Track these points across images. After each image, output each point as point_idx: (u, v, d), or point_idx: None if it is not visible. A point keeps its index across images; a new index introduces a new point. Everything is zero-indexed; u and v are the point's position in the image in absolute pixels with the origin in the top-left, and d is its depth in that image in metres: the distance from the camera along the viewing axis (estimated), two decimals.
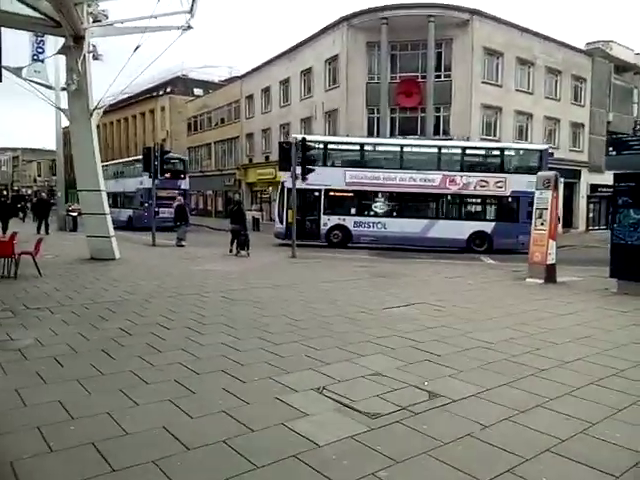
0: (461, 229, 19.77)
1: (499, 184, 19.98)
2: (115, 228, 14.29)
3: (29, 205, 37.70)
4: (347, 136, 29.11)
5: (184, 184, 27.94)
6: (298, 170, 14.84)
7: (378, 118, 29.54)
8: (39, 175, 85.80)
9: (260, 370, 4.81)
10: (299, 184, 16.55)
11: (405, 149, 21.60)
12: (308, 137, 17.00)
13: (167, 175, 21.47)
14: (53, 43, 16.80)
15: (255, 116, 40.18)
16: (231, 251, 15.66)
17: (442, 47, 28.90)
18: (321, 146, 20.78)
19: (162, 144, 18.62)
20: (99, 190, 13.06)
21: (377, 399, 4.10)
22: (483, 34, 28.75)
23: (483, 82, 29.37)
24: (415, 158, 21.33)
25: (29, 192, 71.43)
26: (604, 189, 33.27)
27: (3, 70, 10.90)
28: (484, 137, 29.87)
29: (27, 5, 11.13)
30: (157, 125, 52.10)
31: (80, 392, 4.12)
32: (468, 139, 28.55)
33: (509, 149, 21.93)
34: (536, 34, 31.72)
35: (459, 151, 21.21)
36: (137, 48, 11.85)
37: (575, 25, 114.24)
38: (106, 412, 3.68)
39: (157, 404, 3.91)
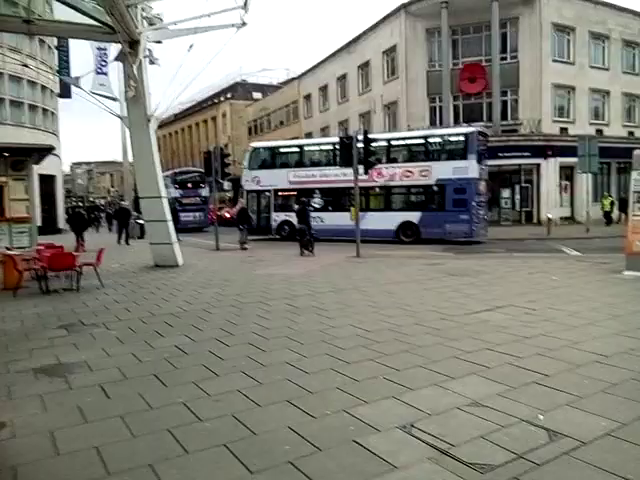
0: (390, 220, 19.55)
1: (424, 173, 19.45)
2: None
3: (102, 215, 39.10)
4: (408, 127, 28.11)
5: (204, 192, 31.39)
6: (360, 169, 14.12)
7: (440, 107, 28.24)
8: (112, 186, 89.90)
9: (332, 399, 4.07)
10: (254, 186, 20.74)
11: (337, 146, 20.96)
12: (259, 144, 19.74)
13: (189, 185, 31.17)
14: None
15: (313, 115, 39.74)
16: (302, 253, 15.26)
17: (507, 27, 27.32)
18: (270, 151, 23.41)
19: (221, 146, 18.36)
20: (159, 197, 12.83)
21: (482, 442, 3.24)
22: (552, 9, 26.81)
23: (554, 60, 27.46)
24: None
25: (102, 202, 74.75)
26: None
27: (72, 86, 10.82)
28: (557, 119, 27.94)
29: (81, 12, 10.99)
30: (219, 131, 52.95)
31: (122, 434, 3.52)
32: (539, 122, 26.75)
33: (432, 136, 20.77)
34: (610, 5, 29.29)
35: (384, 143, 20.39)
36: (191, 47, 11.52)
37: None
38: (147, 464, 3.06)
39: (209, 452, 3.24)
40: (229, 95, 53.56)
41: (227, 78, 54.07)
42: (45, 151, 15.91)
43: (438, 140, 20.38)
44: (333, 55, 36.48)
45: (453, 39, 28.08)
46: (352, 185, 17.93)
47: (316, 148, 23.80)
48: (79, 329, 6.73)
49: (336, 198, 21.01)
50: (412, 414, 3.72)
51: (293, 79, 44.56)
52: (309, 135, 40.31)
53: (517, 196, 27.41)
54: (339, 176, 19.46)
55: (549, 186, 26.96)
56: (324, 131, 37.94)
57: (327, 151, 22.36)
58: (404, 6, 28.63)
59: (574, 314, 6.70)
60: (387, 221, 19.52)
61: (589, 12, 28.41)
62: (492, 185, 27.63)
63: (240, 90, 53.97)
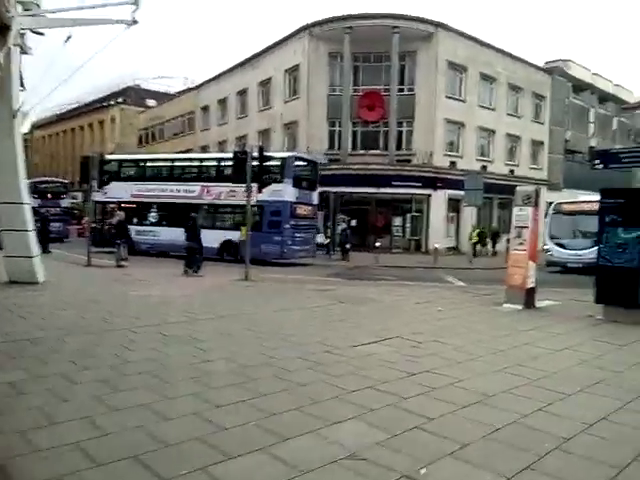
0: (214, 237, 19.67)
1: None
2: None
3: None
4: (307, 149, 28.16)
5: (65, 202, 31.86)
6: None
7: (340, 131, 28.60)
8: None
9: (191, 454, 3.41)
10: (99, 197, 20.35)
11: (175, 162, 24.17)
12: (109, 157, 20.09)
13: (49, 196, 30.45)
14: None
15: (211, 128, 38.69)
16: (186, 272, 14.30)
17: (406, 60, 28.45)
18: (116, 164, 23.62)
19: (101, 153, 16.86)
20: (21, 203, 11.28)
21: None
22: (447, 48, 28.42)
23: (447, 97, 28.98)
24: (180, 171, 23.30)
25: None
26: None
27: None
28: (447, 153, 29.44)
29: None
30: (106, 137, 49.76)
31: None
32: (431, 155, 28.01)
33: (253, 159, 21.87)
34: (498, 50, 31.76)
35: (214, 163, 22.38)
36: (69, 38, 10.33)
37: (534, 43, 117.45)
38: None
39: None
40: (120, 100, 50.63)
41: (119, 81, 51.18)
42: None
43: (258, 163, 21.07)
44: (234, 68, 35.86)
45: (355, 65, 28.74)
46: (185, 201, 19.38)
47: (159, 164, 24.60)
48: None
49: (171, 213, 21.15)
50: (283, 473, 3.17)
51: (191, 89, 43.14)
52: (204, 148, 39.14)
53: (408, 225, 28.41)
54: (174, 192, 20.97)
55: (438, 217, 28.26)
56: (221, 145, 37.01)
57: (168, 167, 23.52)
58: (308, 27, 28.88)
59: (458, 348, 6.58)
60: (212, 238, 19.06)
61: (480, 54, 30.53)
62: (386, 213, 28.59)
63: (133, 95, 51.25)
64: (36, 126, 63.85)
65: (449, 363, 5.84)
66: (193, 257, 14.39)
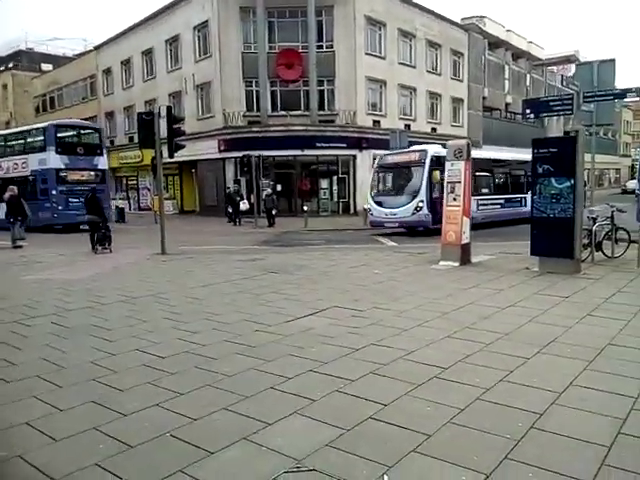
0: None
1: (23, 165, 21.64)
2: None
3: None
4: (224, 111, 26.63)
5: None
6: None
7: (257, 92, 27.19)
8: None
9: None
10: None
11: None
12: None
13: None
14: None
15: (115, 92, 35.80)
16: (94, 249, 12.89)
17: (323, 15, 27.24)
18: None
19: None
20: None
21: None
22: (364, 2, 27.56)
23: (367, 54, 28.23)
24: None
25: None
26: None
27: None
28: (370, 112, 28.92)
29: None
30: None
31: None
32: (355, 114, 27.40)
33: (27, 131, 23.14)
34: (416, 5, 31.24)
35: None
36: None
37: None
38: None
39: None
40: (11, 65, 45.63)
41: (9, 44, 46.11)
42: None
43: (30, 134, 22.53)
44: (137, 26, 32.94)
45: (269, 21, 27.14)
46: None
47: None
48: None
49: None
50: None
51: (90, 51, 39.48)
52: (110, 114, 36.29)
53: (335, 187, 27.81)
54: None
55: (364, 177, 27.81)
56: (128, 110, 34.36)
57: None
58: None
59: (401, 314, 6.02)
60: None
61: (398, 9, 29.81)
62: (311, 176, 27.81)
63: (25, 60, 46.40)
64: None
65: (394, 332, 5.26)
66: (99, 232, 12.90)
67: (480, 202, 18.35)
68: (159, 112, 12.00)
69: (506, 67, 41.11)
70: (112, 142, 35.95)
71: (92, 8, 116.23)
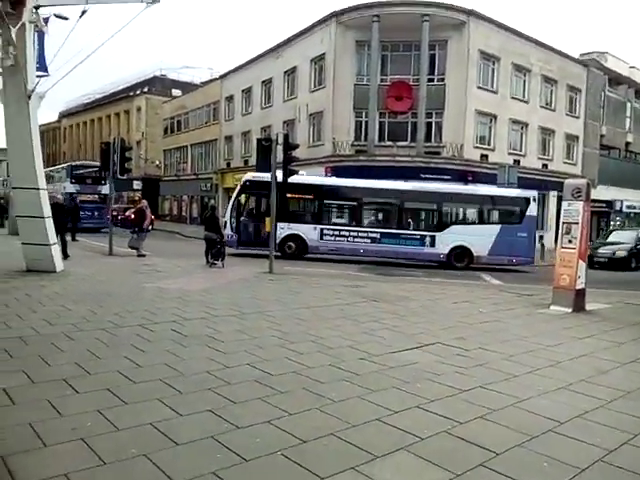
0: None
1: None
2: None
3: None
4: (333, 139, 27.34)
5: (104, 189, 27.06)
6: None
7: (366, 122, 27.70)
8: (8, 175, 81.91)
9: None
10: None
11: None
12: None
13: (88, 181, 29.54)
14: None
15: (235, 118, 38.09)
16: (207, 262, 13.79)
17: (436, 49, 27.32)
18: None
19: (122, 138, 16.21)
20: (37, 189, 10.77)
21: None
22: (479, 37, 27.23)
23: (478, 87, 27.83)
24: None
25: None
26: (595, 204, 31.96)
27: None
28: (478, 146, 28.31)
29: None
30: (132, 126, 49.66)
31: None
32: (461, 147, 26.98)
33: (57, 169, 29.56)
34: (532, 40, 30.39)
35: None
36: (83, 13, 9.71)
37: (569, 33, 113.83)
38: None
39: None
40: (146, 89, 50.41)
41: (145, 71, 51.03)
42: None
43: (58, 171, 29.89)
44: (259, 57, 35.12)
45: (383, 54, 27.73)
46: None
47: None
48: None
49: None
50: None
51: (216, 79, 42.59)
52: (229, 138, 38.61)
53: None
54: None
55: None
56: (245, 135, 36.41)
57: None
58: (335, 14, 27.93)
59: (510, 358, 5.78)
60: None
61: (514, 44, 29.22)
62: None
63: (158, 85, 51.03)
64: (64, 115, 64.32)
65: (503, 377, 5.06)
66: (214, 248, 13.80)
67: None
68: (277, 139, 12.64)
69: (628, 104, 38.50)
70: (228, 164, 38.26)
71: (220, 40, 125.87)
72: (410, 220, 19.28)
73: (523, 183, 25.17)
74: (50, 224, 11.09)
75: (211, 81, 44.16)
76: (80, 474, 2.89)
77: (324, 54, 28.90)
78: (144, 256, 15.34)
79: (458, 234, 18.08)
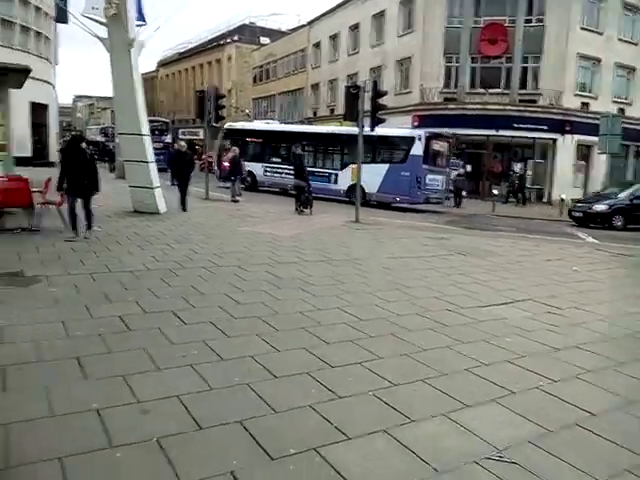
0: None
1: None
2: None
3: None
4: (421, 86, 26.43)
5: (167, 139, 33.84)
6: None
7: (457, 67, 26.39)
8: (113, 123, 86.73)
9: (302, 426, 2.95)
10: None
11: None
12: None
13: (155, 132, 29.04)
14: None
15: (321, 66, 37.54)
16: (297, 209, 14.14)
17: None
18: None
19: (216, 87, 16.61)
20: (140, 135, 11.39)
21: None
22: None
23: (582, 28, 25.46)
24: None
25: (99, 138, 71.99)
26: None
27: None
28: (578, 93, 26.22)
29: None
30: (223, 75, 50.47)
31: None
32: (560, 95, 25.14)
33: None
34: None
35: None
36: None
37: None
38: None
39: None
40: (236, 38, 50.64)
41: (235, 19, 51.16)
42: (22, 72, 14.33)
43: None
44: (347, 2, 33.97)
45: None
46: None
47: None
48: (16, 282, 5.59)
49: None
50: (409, 467, 2.61)
51: (303, 25, 41.92)
52: (315, 86, 38.27)
53: (529, 172, 25.97)
54: None
55: (564, 164, 25.56)
56: (332, 83, 35.87)
57: None
58: None
59: (606, 319, 5.57)
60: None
61: None
62: (503, 158, 26.37)
63: (247, 33, 51.05)
64: (161, 64, 66.49)
65: (599, 337, 4.92)
66: (303, 195, 14.08)
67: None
68: (364, 86, 12.42)
69: None
70: (315, 113, 38.12)
71: None
72: (322, 159, 21.44)
73: (629, 134, 23.25)
74: (154, 168, 11.77)
75: (299, 28, 43.50)
76: (190, 397, 3.21)
77: None
78: (237, 201, 15.93)
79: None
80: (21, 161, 17.31)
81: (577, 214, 17.50)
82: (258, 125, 25.40)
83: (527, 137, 25.55)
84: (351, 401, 3.32)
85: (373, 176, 18.07)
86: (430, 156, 18.65)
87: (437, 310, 5.47)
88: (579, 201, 19.05)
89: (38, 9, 34.35)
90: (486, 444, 2.90)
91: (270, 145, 22.83)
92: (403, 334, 4.63)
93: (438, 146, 19.53)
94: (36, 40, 34.42)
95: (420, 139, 18.47)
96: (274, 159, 22.22)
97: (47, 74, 35.56)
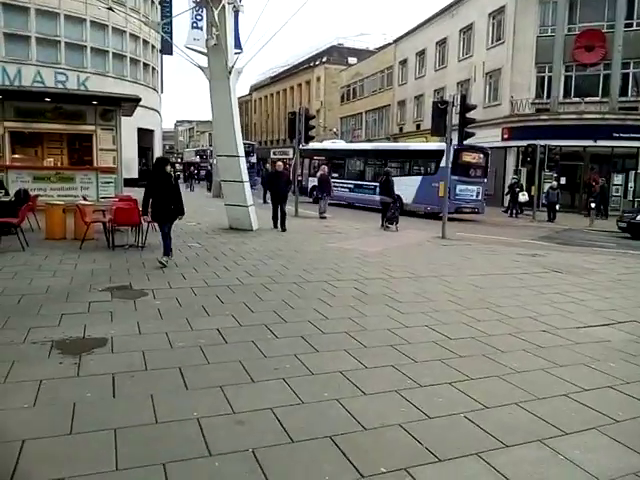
0: None
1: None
2: None
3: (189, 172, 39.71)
4: (511, 98, 25.67)
5: (253, 159, 34.45)
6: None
7: (550, 77, 25.30)
8: (210, 145, 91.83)
9: (387, 447, 2.99)
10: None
11: None
12: None
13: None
14: None
15: (408, 82, 37.47)
16: (382, 225, 14.27)
17: None
18: None
19: (306, 108, 17.18)
20: (237, 156, 12.09)
21: None
22: None
23: None
24: None
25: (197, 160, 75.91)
26: None
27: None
28: None
29: None
30: (312, 96, 52.06)
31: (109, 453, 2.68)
32: None
33: None
34: None
35: None
36: None
37: None
38: None
39: None
40: (324, 59, 52.23)
41: (323, 42, 52.80)
42: (133, 102, 15.70)
43: None
44: (433, 18, 33.77)
45: (570, 1, 24.81)
46: None
47: None
48: (124, 295, 6.07)
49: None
50: None
51: (390, 44, 42.20)
52: (402, 103, 38.22)
53: (630, 184, 24.18)
54: None
55: None
56: (418, 99, 35.69)
57: None
58: None
59: None
60: None
61: None
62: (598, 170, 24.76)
63: (336, 54, 52.45)
64: (254, 88, 69.79)
65: None
66: (389, 211, 14.14)
67: None
68: (453, 100, 12.31)
69: None
70: (401, 129, 38.09)
71: (394, 4, 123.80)
72: (370, 173, 22.83)
73: None
74: (248, 187, 12.43)
75: (385, 46, 43.87)
76: (282, 409, 3.33)
77: (504, 7, 26.77)
78: (325, 218, 16.28)
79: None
80: (128, 182, 18.87)
81: (622, 224, 16.70)
82: (325, 145, 27.12)
83: (629, 147, 23.84)
84: (442, 422, 3.29)
85: (408, 187, 19.38)
86: (460, 167, 18.64)
87: (531, 330, 5.28)
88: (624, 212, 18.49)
89: (146, 42, 37.41)
90: (588, 475, 2.77)
91: (333, 162, 24.09)
92: (495, 355, 4.52)
93: (470, 158, 19.63)
94: (144, 71, 37.45)
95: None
96: (335, 174, 23.00)
97: (154, 102, 38.61)
